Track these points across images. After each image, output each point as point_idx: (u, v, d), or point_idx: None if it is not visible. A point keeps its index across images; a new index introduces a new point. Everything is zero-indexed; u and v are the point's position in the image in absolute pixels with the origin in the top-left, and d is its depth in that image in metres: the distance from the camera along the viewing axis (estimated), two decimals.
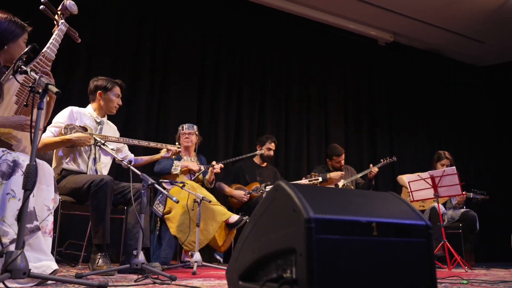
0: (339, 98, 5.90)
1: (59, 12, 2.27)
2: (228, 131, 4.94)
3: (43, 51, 2.08)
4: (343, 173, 4.31)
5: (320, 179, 3.89)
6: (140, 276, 2.07)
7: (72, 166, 2.79)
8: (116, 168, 3.43)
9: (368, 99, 6.12)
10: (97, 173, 2.85)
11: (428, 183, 3.65)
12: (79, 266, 2.94)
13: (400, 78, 6.29)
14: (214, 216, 3.13)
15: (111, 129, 3.09)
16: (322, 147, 5.48)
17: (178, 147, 3.27)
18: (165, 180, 3.18)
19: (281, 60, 5.53)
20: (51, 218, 1.85)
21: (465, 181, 3.79)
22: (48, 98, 2.02)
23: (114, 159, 3.04)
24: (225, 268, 1.39)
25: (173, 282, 1.96)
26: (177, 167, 3.54)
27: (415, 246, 1.14)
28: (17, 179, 1.69)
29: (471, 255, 4.15)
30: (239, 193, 3.96)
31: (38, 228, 1.74)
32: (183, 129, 3.79)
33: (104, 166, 2.94)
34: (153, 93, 4.57)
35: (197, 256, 2.73)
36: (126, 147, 3.19)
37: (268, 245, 1.13)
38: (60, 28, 2.21)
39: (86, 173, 2.81)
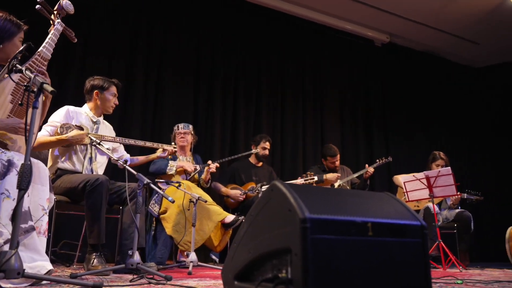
0: (335, 98, 5.92)
1: (55, 12, 2.26)
2: (224, 131, 4.94)
3: (39, 50, 2.07)
4: (339, 174, 4.33)
5: (316, 178, 3.90)
6: (135, 276, 2.06)
7: (67, 165, 2.78)
8: (112, 167, 3.42)
9: (364, 99, 6.13)
10: (92, 172, 2.84)
11: (423, 183, 3.67)
12: (74, 266, 2.93)
13: (396, 79, 6.32)
14: (209, 216, 3.13)
15: (107, 129, 3.08)
16: (318, 147, 5.48)
17: (174, 147, 3.26)
18: (160, 180, 3.17)
19: (277, 60, 5.53)
20: (46, 218, 1.84)
21: (460, 181, 3.81)
22: (43, 98, 2.01)
23: (109, 159, 3.03)
24: (221, 268, 1.39)
25: (168, 282, 1.96)
26: (172, 167, 3.53)
27: (410, 246, 1.14)
28: (12, 179, 1.68)
29: (466, 255, 4.17)
30: (235, 192, 3.96)
31: (32, 228, 1.73)
32: (178, 129, 3.78)
33: (100, 166, 2.93)
34: (148, 92, 4.56)
35: (193, 256, 2.73)
36: (122, 147, 3.19)
37: (264, 245, 1.13)
38: (56, 28, 2.21)
39: (81, 172, 2.80)
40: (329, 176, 4.31)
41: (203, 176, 3.71)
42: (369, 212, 1.13)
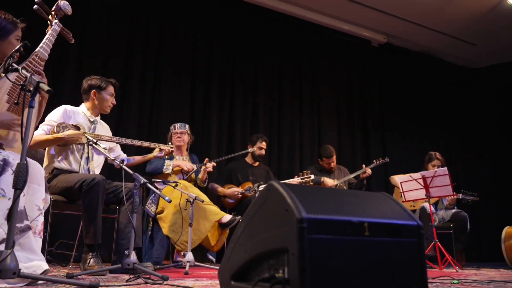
0: (332, 98, 5.93)
1: (53, 12, 2.25)
2: (221, 131, 4.93)
3: (36, 50, 2.07)
4: (335, 183, 4.36)
5: (312, 176, 3.91)
6: (132, 276, 2.06)
7: (64, 165, 2.77)
8: (108, 167, 3.41)
9: (361, 99, 6.15)
10: (89, 172, 2.83)
11: (420, 183, 3.68)
12: (70, 266, 2.92)
13: (393, 79, 6.33)
14: (206, 215, 3.12)
15: (103, 129, 3.08)
16: (314, 148, 5.49)
17: (171, 147, 3.26)
18: (157, 180, 3.17)
19: (274, 60, 5.53)
20: (41, 219, 1.83)
21: (456, 182, 3.82)
22: (40, 98, 2.00)
23: (106, 159, 3.02)
24: (218, 268, 1.39)
25: (165, 282, 1.95)
26: (168, 166, 3.52)
27: (407, 246, 1.15)
28: (7, 178, 1.67)
29: (462, 255, 4.19)
30: (232, 190, 3.97)
31: (28, 228, 1.72)
32: (175, 129, 3.78)
33: (96, 166, 2.93)
34: (145, 92, 4.55)
35: (190, 256, 2.73)
36: (118, 147, 3.18)
37: (261, 245, 1.13)
38: (53, 28, 2.20)
39: (78, 172, 2.79)
40: (327, 180, 4.35)
41: (200, 176, 3.71)
42: (365, 212, 1.14)
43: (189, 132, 3.81)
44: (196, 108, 4.83)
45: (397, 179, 4.13)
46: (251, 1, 5.16)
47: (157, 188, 3.13)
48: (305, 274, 0.97)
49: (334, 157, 4.53)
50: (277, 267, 1.06)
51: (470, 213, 4.30)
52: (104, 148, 2.60)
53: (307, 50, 5.78)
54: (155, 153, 3.22)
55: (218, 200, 4.11)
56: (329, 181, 4.34)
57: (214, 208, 3.21)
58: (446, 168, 3.69)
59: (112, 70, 4.29)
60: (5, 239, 1.48)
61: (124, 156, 3.18)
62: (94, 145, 2.61)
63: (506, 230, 4.39)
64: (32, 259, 1.69)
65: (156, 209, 3.26)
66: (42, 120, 2.63)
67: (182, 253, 3.23)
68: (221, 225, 3.19)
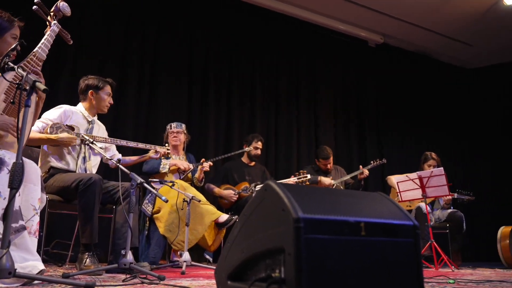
0: (329, 98, 5.93)
1: (52, 13, 2.25)
2: (218, 131, 4.93)
3: (34, 50, 2.06)
4: (332, 182, 4.36)
5: (309, 176, 3.91)
6: (128, 276, 2.05)
7: (60, 164, 2.76)
8: (105, 167, 3.40)
9: (358, 100, 6.16)
10: (86, 172, 2.83)
11: (416, 183, 3.69)
12: (66, 266, 2.91)
13: (389, 79, 6.35)
14: (203, 215, 3.12)
15: (100, 129, 3.07)
16: (311, 148, 5.50)
17: (168, 149, 3.25)
18: (154, 180, 3.16)
19: (271, 60, 5.53)
20: (36, 219, 1.83)
21: (452, 182, 3.84)
22: (37, 98, 2.00)
23: (102, 158, 3.02)
24: (214, 267, 1.39)
25: (161, 282, 1.95)
26: (165, 165, 3.52)
27: (403, 246, 1.15)
28: (3, 178, 1.67)
29: (458, 255, 4.21)
30: (228, 192, 3.96)
31: (23, 228, 1.71)
32: (171, 128, 3.77)
33: (93, 165, 2.92)
34: (142, 92, 4.54)
35: (186, 255, 2.73)
36: (113, 146, 3.17)
37: (257, 245, 1.13)
38: (52, 29, 2.20)
39: (75, 171, 2.78)
40: (324, 179, 4.36)
41: (196, 175, 3.71)
42: (362, 212, 1.14)
43: (185, 131, 3.81)
44: (193, 108, 4.82)
45: (393, 179, 4.15)
46: (249, 1, 5.16)
47: (153, 187, 3.12)
48: (301, 274, 0.97)
49: (331, 158, 4.54)
50: (274, 267, 1.06)
51: (466, 213, 4.32)
52: (100, 148, 2.60)
53: (304, 50, 5.78)
54: (151, 154, 3.22)
55: (215, 199, 4.10)
56: (326, 180, 4.35)
57: (211, 208, 3.21)
58: (442, 168, 3.70)
59: (109, 70, 4.27)
60: (0, 239, 1.47)
61: (119, 155, 3.17)
62: (91, 144, 2.61)
63: (502, 230, 4.41)
64: (27, 259, 1.68)
65: (153, 208, 3.25)
66: (39, 117, 2.62)
67: (178, 252, 3.22)
68: (218, 225, 3.19)
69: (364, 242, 1.09)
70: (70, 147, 2.77)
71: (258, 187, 3.73)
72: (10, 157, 1.74)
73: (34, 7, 2.19)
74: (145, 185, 2.30)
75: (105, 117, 3.26)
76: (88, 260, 2.47)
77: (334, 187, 4.37)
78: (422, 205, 3.87)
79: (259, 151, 4.29)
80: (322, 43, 5.89)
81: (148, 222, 3.30)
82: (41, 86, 1.59)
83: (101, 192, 2.60)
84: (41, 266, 1.71)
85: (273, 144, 5.31)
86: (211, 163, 3.76)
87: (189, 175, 3.67)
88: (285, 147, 5.42)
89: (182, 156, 3.81)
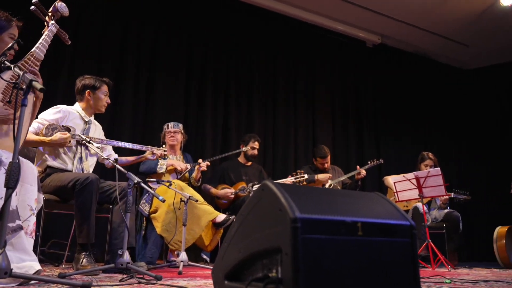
0: (327, 99, 5.94)
1: (49, 14, 2.24)
2: (215, 131, 4.93)
3: (32, 50, 2.06)
4: (330, 175, 4.36)
5: (306, 176, 3.91)
6: (125, 276, 2.05)
7: (57, 164, 2.75)
8: (101, 166, 3.39)
9: (355, 100, 6.17)
10: (83, 171, 2.82)
11: (413, 183, 3.70)
12: (63, 266, 2.90)
13: (387, 80, 6.36)
14: (200, 215, 3.12)
15: (97, 129, 3.06)
16: (309, 148, 5.50)
17: (165, 151, 3.24)
18: (151, 179, 3.16)
19: (268, 60, 5.53)
20: (33, 219, 1.82)
21: (449, 182, 3.85)
22: (34, 98, 1.99)
23: (98, 159, 3.01)
24: (211, 267, 1.39)
25: (158, 282, 1.95)
26: (162, 165, 3.52)
27: (400, 246, 1.15)
28: (0, 177, 1.66)
29: (455, 254, 4.22)
30: (224, 191, 3.96)
31: (20, 228, 1.71)
32: (168, 128, 3.77)
33: (90, 165, 2.91)
34: (139, 93, 4.53)
35: (183, 255, 2.72)
36: (110, 146, 3.16)
37: (254, 245, 1.13)
38: (50, 29, 2.19)
39: (71, 171, 2.78)
40: (321, 176, 4.35)
41: (193, 175, 3.70)
42: (359, 212, 1.14)
43: (182, 131, 3.81)
44: (190, 108, 4.81)
45: (390, 180, 4.15)
46: (247, 1, 5.16)
47: (150, 187, 3.12)
48: (298, 274, 0.97)
49: (329, 157, 4.55)
50: (271, 266, 1.06)
51: (462, 213, 4.34)
52: (97, 147, 2.59)
53: (302, 50, 5.79)
54: (147, 155, 3.22)
55: (212, 199, 4.10)
56: (323, 176, 4.34)
57: (208, 208, 3.20)
58: (439, 168, 3.72)
59: (107, 70, 4.27)
60: None
61: (115, 155, 3.16)
62: (87, 143, 2.60)
63: (498, 230, 4.43)
64: (24, 259, 1.68)
65: (150, 208, 3.25)
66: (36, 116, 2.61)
67: (176, 252, 3.22)
68: (215, 225, 3.19)
69: (361, 242, 1.09)
70: (65, 148, 2.76)
71: (255, 187, 3.73)
72: (7, 157, 1.73)
73: (32, 7, 2.18)
74: (142, 184, 2.30)
75: (102, 117, 3.25)
76: (84, 260, 2.46)
77: (331, 187, 4.37)
78: (419, 205, 3.88)
79: (256, 151, 4.29)
80: (320, 43, 5.90)
81: (145, 222, 3.30)
82: (38, 85, 1.58)
83: (98, 192, 2.60)
84: (37, 266, 1.70)
85: (270, 144, 5.31)
86: (208, 163, 3.76)
87: (186, 175, 3.67)
88: (283, 147, 5.42)
89: (179, 156, 3.81)
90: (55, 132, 2.66)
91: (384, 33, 6.02)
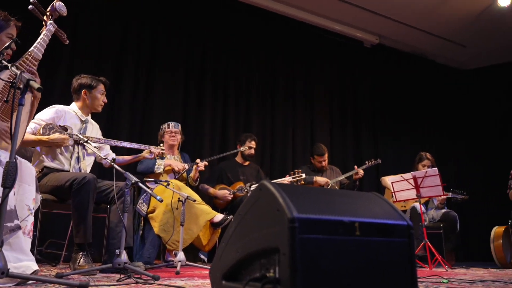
0: (325, 98, 5.95)
1: (47, 13, 2.24)
2: (214, 131, 4.93)
3: (30, 50, 2.05)
4: (328, 180, 4.37)
5: (304, 175, 3.92)
6: (122, 276, 2.05)
7: (54, 164, 2.74)
8: (99, 166, 3.39)
9: (353, 100, 6.18)
10: (80, 171, 2.81)
11: (410, 183, 3.71)
12: (60, 266, 2.90)
13: (384, 80, 6.37)
14: (198, 215, 3.12)
15: (94, 128, 3.05)
16: (307, 148, 5.51)
17: (162, 149, 3.24)
18: (149, 179, 3.15)
19: (267, 60, 5.54)
20: (31, 219, 1.82)
21: (446, 182, 3.86)
22: (32, 98, 1.99)
23: (95, 158, 3.00)
24: (209, 267, 1.39)
25: (156, 282, 1.95)
26: (160, 166, 3.51)
27: (397, 246, 1.15)
28: None
29: (452, 254, 4.23)
30: (223, 192, 3.96)
31: (18, 227, 1.70)
32: (169, 127, 3.76)
33: (88, 165, 2.91)
34: (137, 92, 4.53)
35: (181, 255, 2.72)
36: (107, 146, 3.15)
37: (252, 245, 1.13)
38: (48, 29, 2.19)
39: (69, 171, 2.77)
40: (319, 179, 4.37)
41: (191, 175, 3.70)
42: (356, 212, 1.14)
43: (181, 131, 3.81)
44: (189, 108, 4.81)
45: (387, 180, 4.16)
46: (246, 1, 5.16)
47: (148, 187, 3.11)
48: (296, 273, 0.97)
49: (326, 155, 4.55)
50: (268, 266, 1.06)
51: (460, 213, 4.35)
52: (95, 147, 2.59)
53: (300, 50, 5.79)
54: (145, 154, 3.21)
55: (210, 199, 4.10)
56: (321, 179, 4.36)
57: (206, 208, 3.20)
58: (436, 168, 3.73)
59: (105, 69, 4.26)
60: None
61: (113, 155, 3.16)
62: (85, 143, 2.59)
63: (495, 230, 4.44)
64: (21, 259, 1.67)
65: (148, 208, 3.24)
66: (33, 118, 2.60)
67: (173, 252, 3.21)
68: (213, 225, 3.19)
69: (358, 242, 1.09)
70: (63, 148, 2.75)
71: (253, 187, 3.73)
72: (5, 157, 1.72)
73: (30, 6, 2.18)
74: (140, 184, 2.30)
75: (100, 117, 3.24)
76: (82, 260, 2.46)
77: (329, 187, 4.38)
78: (417, 205, 3.89)
79: (253, 151, 4.29)
80: (318, 44, 5.90)
81: (142, 222, 3.29)
82: (35, 85, 1.58)
83: (95, 192, 2.59)
84: (34, 266, 1.70)
85: (268, 144, 5.32)
86: (206, 163, 3.76)
87: (184, 174, 3.67)
88: (281, 147, 5.42)
89: (177, 156, 3.81)
90: (52, 132, 2.65)
91: (382, 33, 6.03)
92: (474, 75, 6.87)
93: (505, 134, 6.45)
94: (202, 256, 3.68)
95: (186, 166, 3.64)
